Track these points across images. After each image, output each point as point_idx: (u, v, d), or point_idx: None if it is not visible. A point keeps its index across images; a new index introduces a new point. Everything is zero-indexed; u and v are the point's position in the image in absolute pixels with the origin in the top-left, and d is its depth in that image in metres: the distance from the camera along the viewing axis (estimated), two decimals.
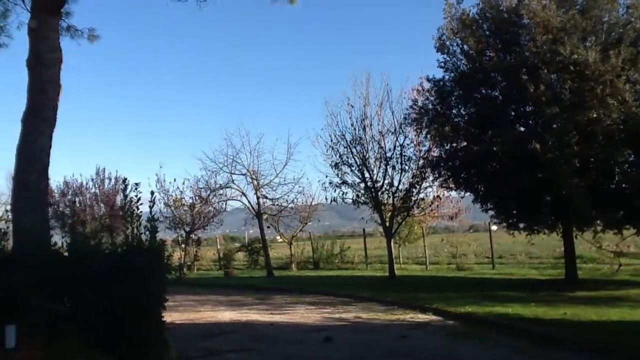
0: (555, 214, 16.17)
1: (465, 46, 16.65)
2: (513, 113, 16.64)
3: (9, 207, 35.77)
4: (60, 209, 26.88)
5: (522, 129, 16.30)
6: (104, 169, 27.99)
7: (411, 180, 21.23)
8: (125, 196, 7.43)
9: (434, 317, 12.10)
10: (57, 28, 9.85)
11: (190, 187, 28.25)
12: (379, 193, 21.51)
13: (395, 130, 21.33)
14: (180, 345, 9.09)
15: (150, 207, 7.53)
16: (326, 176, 22.72)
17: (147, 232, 7.42)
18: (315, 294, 17.47)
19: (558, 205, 15.37)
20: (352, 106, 21.95)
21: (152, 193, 7.88)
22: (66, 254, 7.34)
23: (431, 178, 20.65)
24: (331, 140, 22.23)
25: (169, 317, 8.10)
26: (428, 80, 18.22)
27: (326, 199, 23.25)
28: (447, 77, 17.47)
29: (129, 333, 6.59)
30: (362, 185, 21.82)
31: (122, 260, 6.90)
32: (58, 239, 8.45)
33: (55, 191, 26.73)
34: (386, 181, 21.40)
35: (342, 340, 9.82)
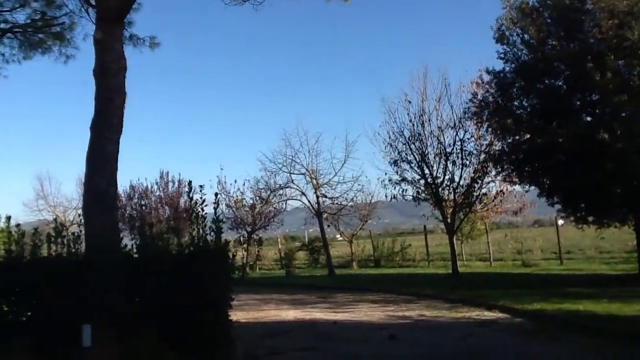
0: (627, 206, 15.51)
1: (525, 36, 16.22)
2: (578, 103, 16.07)
3: (80, 212, 37.38)
4: (128, 212, 27.82)
5: (588, 118, 15.72)
6: (168, 172, 28.87)
7: (472, 175, 20.86)
8: (191, 198, 7.59)
9: (500, 315, 11.83)
10: (121, 38, 10.11)
11: (251, 187, 28.68)
12: (440, 189, 21.22)
13: (454, 124, 21.01)
14: (246, 343, 9.22)
15: (215, 209, 7.67)
16: (385, 173, 22.62)
17: (212, 233, 7.56)
18: (377, 292, 17.39)
19: (629, 197, 14.75)
20: (410, 102, 21.77)
21: (216, 195, 8.02)
22: (136, 255, 7.56)
23: (493, 172, 20.23)
24: (389, 137, 22.12)
25: (234, 316, 8.22)
26: (487, 72, 17.85)
27: (386, 196, 23.11)
28: (507, 68, 17.06)
29: (197, 332, 6.74)
30: (422, 181, 21.59)
31: (189, 261, 7.06)
32: (126, 241, 8.72)
33: (123, 195, 27.72)
34: (447, 177, 21.12)
35: (406, 339, 9.73)
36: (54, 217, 36.83)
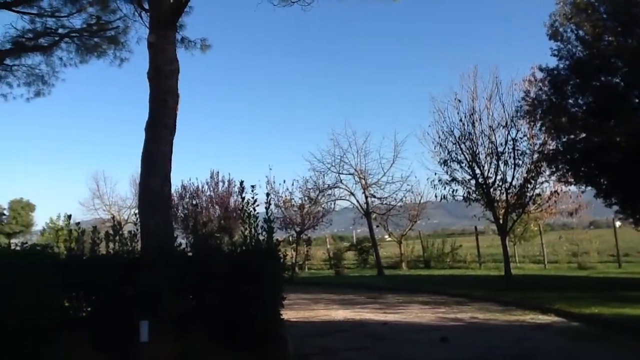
0: None
1: (580, 32, 15.75)
2: (637, 100, 15.49)
3: (134, 211, 38.36)
4: (180, 211, 28.39)
5: None
6: (218, 172, 29.26)
7: (525, 175, 20.38)
8: (243, 198, 7.68)
9: (556, 319, 11.51)
10: (174, 41, 10.32)
11: (299, 187, 28.83)
12: (491, 189, 20.82)
13: (506, 123, 20.57)
14: (297, 342, 9.26)
15: (267, 209, 7.74)
16: (435, 173, 22.34)
17: (264, 233, 7.63)
18: (427, 293, 17.20)
19: None
20: (460, 101, 21.44)
21: (268, 195, 8.11)
22: (190, 254, 7.70)
23: (547, 172, 19.72)
24: (439, 137, 21.85)
25: (285, 314, 8.28)
26: (541, 69, 17.42)
27: (436, 196, 22.80)
28: (561, 65, 16.60)
29: (250, 329, 6.81)
30: (473, 181, 21.22)
31: (242, 259, 7.16)
32: (179, 239, 8.89)
33: (175, 195, 28.29)
34: (498, 177, 20.69)
35: (458, 341, 9.58)
36: (110, 215, 38.02)
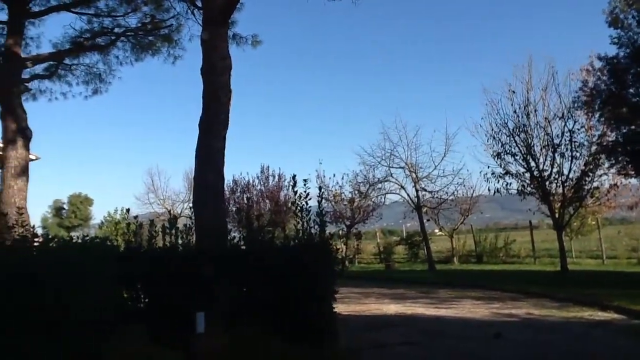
0: None
1: None
2: None
3: (187, 205, 39.25)
4: (231, 205, 28.83)
5: None
6: (268, 166, 29.55)
7: (583, 167, 19.76)
8: (295, 192, 7.72)
9: (616, 316, 11.13)
10: (226, 37, 10.43)
11: (349, 181, 28.85)
12: (547, 183, 20.27)
13: (562, 114, 19.99)
14: (348, 336, 9.27)
15: (319, 202, 7.77)
16: (488, 166, 21.90)
17: (316, 226, 7.66)
18: (480, 288, 16.92)
19: None
20: (514, 92, 20.96)
21: (320, 189, 8.16)
22: (244, 247, 7.80)
23: (607, 165, 19.03)
24: (492, 129, 21.41)
25: (336, 308, 8.27)
26: (599, 58, 16.83)
27: (489, 190, 22.38)
28: (621, 53, 16.01)
29: (303, 322, 6.86)
30: (528, 175, 20.71)
31: (295, 253, 7.20)
32: (230, 233, 9.03)
33: (226, 189, 28.72)
34: (554, 170, 20.13)
35: (513, 337, 9.39)
36: (164, 209, 38.94)
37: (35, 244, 5.79)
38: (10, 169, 13.64)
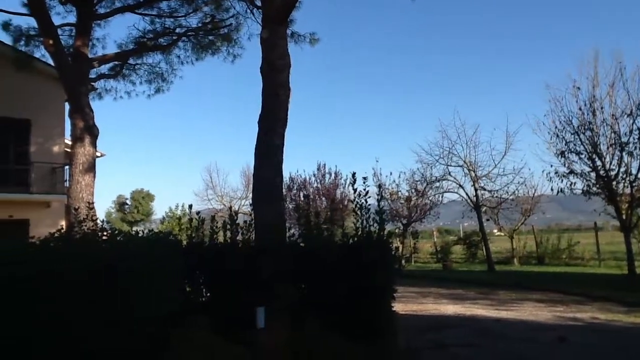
0: None
1: None
2: None
3: (245, 202, 39.79)
4: (287, 203, 29.07)
5: None
6: (325, 164, 29.61)
7: None
8: (354, 190, 7.68)
9: None
10: (285, 36, 10.50)
11: (406, 180, 28.60)
12: (614, 183, 19.45)
13: (631, 111, 19.07)
14: (406, 336, 9.18)
15: (378, 200, 7.71)
16: (551, 165, 21.18)
17: (375, 224, 7.60)
18: (542, 290, 16.46)
19: None
20: (579, 88, 20.17)
21: (380, 187, 8.10)
22: (302, 244, 7.83)
23: None
24: (555, 127, 20.67)
25: (394, 307, 8.22)
26: None
27: (552, 189, 21.63)
28: None
29: (362, 320, 6.83)
30: (593, 174, 19.91)
31: (354, 251, 7.18)
32: (289, 230, 9.07)
33: (283, 186, 28.94)
34: (622, 169, 19.27)
35: (578, 342, 9.09)
36: (222, 206, 39.60)
37: (104, 237, 5.99)
38: (78, 165, 14.18)
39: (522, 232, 30.73)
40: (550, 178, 21.05)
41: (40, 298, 4.74)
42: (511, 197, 26.99)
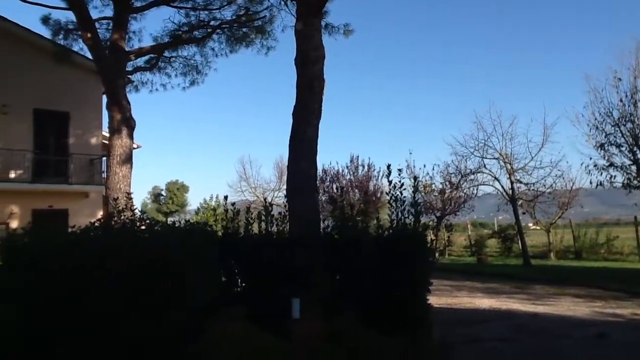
0: None
1: None
2: None
3: (278, 193, 40.00)
4: (320, 194, 29.07)
5: None
6: (358, 156, 29.47)
7: None
8: (390, 181, 7.62)
9: None
10: (320, 27, 10.44)
11: (440, 172, 28.32)
12: None
13: None
14: (440, 329, 9.10)
15: (414, 192, 7.64)
16: (590, 158, 20.71)
17: (410, 217, 7.53)
18: (580, 285, 16.13)
19: None
20: (620, 79, 19.63)
21: (416, 178, 8.02)
22: (336, 236, 7.81)
23: None
24: (595, 119, 20.18)
25: (429, 300, 8.15)
26: None
27: (590, 183, 21.16)
28: None
29: (396, 312, 6.79)
30: (634, 167, 19.40)
31: (389, 243, 7.13)
32: (324, 222, 9.06)
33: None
34: None
35: (618, 339, 8.89)
36: (255, 197, 39.86)
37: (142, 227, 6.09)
38: (115, 157, 14.42)
39: (559, 226, 30.16)
40: (589, 171, 20.62)
41: (86, 288, 4.86)
42: (548, 191, 26.50)
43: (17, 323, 4.89)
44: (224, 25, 19.13)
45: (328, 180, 29.91)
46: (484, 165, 27.20)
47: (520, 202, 26.44)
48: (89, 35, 14.74)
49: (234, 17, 19.01)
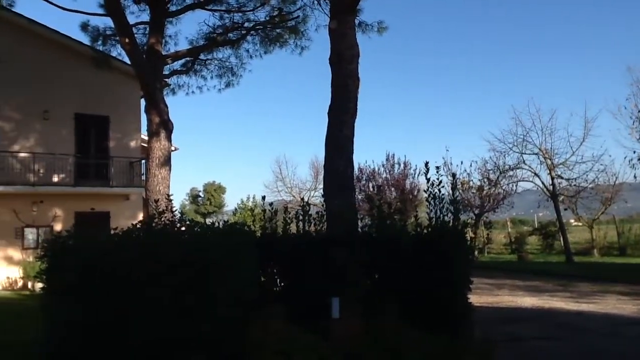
0: None
1: None
2: None
3: (314, 193, 40.12)
4: (357, 193, 28.95)
5: None
6: (394, 154, 29.30)
7: None
8: (428, 179, 7.54)
9: None
10: (353, 25, 10.40)
11: (478, 169, 27.93)
12: None
13: None
14: (482, 328, 8.96)
15: (452, 190, 7.55)
16: (634, 152, 20.19)
17: (449, 214, 7.44)
18: (625, 283, 15.72)
19: None
20: None
21: (454, 176, 7.93)
22: (374, 234, 7.76)
23: None
24: (638, 111, 19.68)
25: (469, 299, 8.03)
26: None
27: (635, 177, 20.62)
28: None
29: (437, 311, 6.71)
30: None
31: (429, 241, 7.05)
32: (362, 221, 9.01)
33: None
34: None
35: None
36: (292, 197, 40.03)
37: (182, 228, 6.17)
38: (154, 159, 14.65)
39: (602, 221, 29.43)
40: (633, 165, 20.16)
41: (131, 286, 4.96)
42: (590, 186, 25.87)
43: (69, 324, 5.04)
44: (257, 27, 19.24)
45: (364, 179, 29.82)
46: (523, 161, 26.76)
47: (561, 198, 25.89)
48: (126, 40, 15.00)
49: (267, 18, 19.11)
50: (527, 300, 12.91)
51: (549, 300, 12.83)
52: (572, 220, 31.75)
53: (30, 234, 19.07)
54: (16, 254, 18.76)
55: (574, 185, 25.84)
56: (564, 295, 13.80)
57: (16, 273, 18.45)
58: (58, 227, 18.96)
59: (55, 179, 19.73)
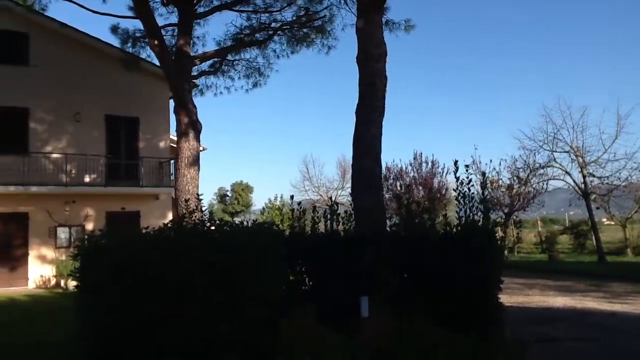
0: None
1: None
2: None
3: (341, 192, 40.07)
4: (385, 192, 28.87)
5: None
6: (421, 153, 29.11)
7: None
8: (457, 178, 7.48)
9: None
10: (380, 24, 10.38)
11: (508, 167, 27.58)
12: None
13: None
14: (513, 328, 8.85)
15: (482, 189, 7.48)
16: None
17: (479, 213, 7.38)
18: None
19: None
20: None
21: (484, 174, 7.87)
22: (403, 233, 7.72)
23: None
24: None
25: (500, 298, 7.94)
26: None
27: None
28: None
29: (466, 310, 6.65)
30: None
31: (459, 240, 6.99)
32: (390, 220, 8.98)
33: None
34: None
35: None
36: (319, 197, 40.05)
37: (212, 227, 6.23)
38: (183, 159, 14.82)
39: (635, 220, 28.80)
40: None
41: (163, 286, 5.02)
42: (623, 184, 25.32)
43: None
44: (284, 27, 19.33)
45: (392, 178, 29.70)
46: (554, 159, 26.32)
47: (593, 196, 25.41)
48: (155, 42, 15.21)
49: (294, 18, 19.19)
50: (559, 300, 12.70)
51: (582, 301, 12.60)
52: (604, 219, 31.16)
53: (63, 233, 19.47)
54: (49, 252, 19.18)
55: (606, 183, 25.32)
56: (596, 295, 13.53)
57: (49, 271, 18.85)
58: (90, 226, 19.32)
59: (87, 179, 20.11)
